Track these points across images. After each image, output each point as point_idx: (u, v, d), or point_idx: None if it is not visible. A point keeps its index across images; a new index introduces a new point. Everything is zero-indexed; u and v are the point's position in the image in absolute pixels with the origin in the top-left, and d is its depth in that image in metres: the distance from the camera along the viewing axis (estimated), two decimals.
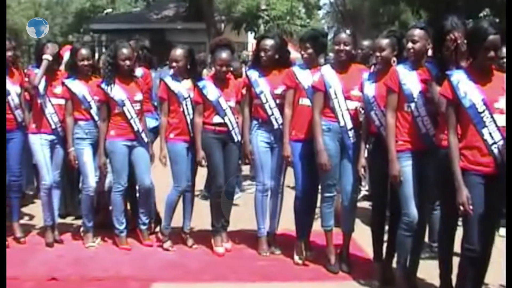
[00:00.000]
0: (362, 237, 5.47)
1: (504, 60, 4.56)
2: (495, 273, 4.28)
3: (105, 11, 38.46)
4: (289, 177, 5.69)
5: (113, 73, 5.62)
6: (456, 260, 4.21)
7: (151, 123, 6.04)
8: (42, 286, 4.92)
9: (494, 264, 4.18)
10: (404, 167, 4.42)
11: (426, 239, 5.16)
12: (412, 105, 4.43)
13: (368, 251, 5.38)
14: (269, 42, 5.46)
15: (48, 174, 5.77)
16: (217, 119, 5.54)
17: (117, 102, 5.59)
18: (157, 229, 6.11)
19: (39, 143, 5.74)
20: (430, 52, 4.51)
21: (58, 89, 5.75)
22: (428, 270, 4.79)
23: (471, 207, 3.83)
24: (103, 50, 25.00)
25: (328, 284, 5.00)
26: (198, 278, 5.09)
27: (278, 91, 5.42)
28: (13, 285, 4.78)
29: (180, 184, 5.65)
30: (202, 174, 6.35)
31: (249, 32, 26.34)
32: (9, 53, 5.75)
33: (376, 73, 4.91)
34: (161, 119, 5.75)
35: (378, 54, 4.81)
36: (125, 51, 5.60)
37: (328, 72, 5.04)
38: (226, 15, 26.13)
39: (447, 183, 3.97)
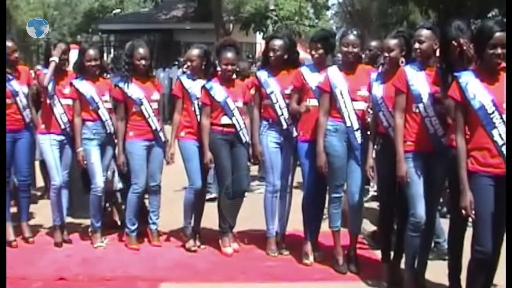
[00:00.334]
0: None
1: None
2: (504, 274, 4.24)
3: (114, 12, 38.54)
4: (298, 178, 5.68)
5: (130, 73, 5.67)
6: (465, 261, 4.19)
7: None
8: (50, 286, 4.93)
9: (503, 265, 4.15)
10: (412, 167, 4.41)
11: None
12: (420, 105, 4.41)
13: (376, 251, 5.37)
14: (278, 43, 5.46)
15: (58, 175, 5.77)
16: (225, 120, 5.54)
17: (134, 101, 5.64)
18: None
19: (49, 143, 5.75)
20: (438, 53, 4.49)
21: (67, 90, 5.76)
22: (437, 270, 4.78)
23: (473, 211, 3.81)
24: (112, 50, 25.06)
25: (336, 284, 5.00)
26: (207, 279, 5.09)
27: (288, 91, 5.43)
28: (21, 285, 4.80)
29: (194, 182, 5.66)
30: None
31: (257, 33, 26.32)
32: (15, 54, 5.76)
33: (384, 74, 4.89)
34: (175, 116, 5.77)
35: (386, 54, 4.80)
36: (141, 50, 5.67)
37: (334, 73, 5.04)
38: (235, 15, 26.11)
39: (457, 183, 3.95)
